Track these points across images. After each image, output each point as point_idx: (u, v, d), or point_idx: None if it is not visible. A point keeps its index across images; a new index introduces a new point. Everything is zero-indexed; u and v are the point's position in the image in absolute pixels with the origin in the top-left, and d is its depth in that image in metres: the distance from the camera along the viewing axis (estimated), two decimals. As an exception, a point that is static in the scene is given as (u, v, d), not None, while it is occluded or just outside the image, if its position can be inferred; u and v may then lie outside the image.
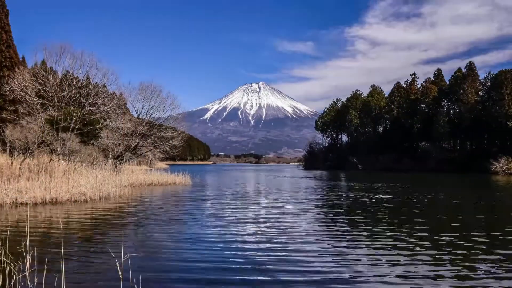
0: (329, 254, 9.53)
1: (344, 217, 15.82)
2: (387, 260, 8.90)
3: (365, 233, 12.24)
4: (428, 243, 10.79)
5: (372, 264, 8.60)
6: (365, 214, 16.38)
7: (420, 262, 8.76)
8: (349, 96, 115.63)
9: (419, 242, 10.83)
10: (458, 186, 37.18)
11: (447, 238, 11.49)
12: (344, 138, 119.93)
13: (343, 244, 10.65)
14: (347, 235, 12.03)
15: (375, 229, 12.88)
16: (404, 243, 10.79)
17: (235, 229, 12.78)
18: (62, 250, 7.80)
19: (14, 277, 6.75)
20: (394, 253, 9.63)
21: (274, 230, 12.75)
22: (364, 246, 10.52)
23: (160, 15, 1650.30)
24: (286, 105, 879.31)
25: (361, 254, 9.57)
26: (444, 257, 9.25)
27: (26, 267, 6.93)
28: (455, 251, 9.82)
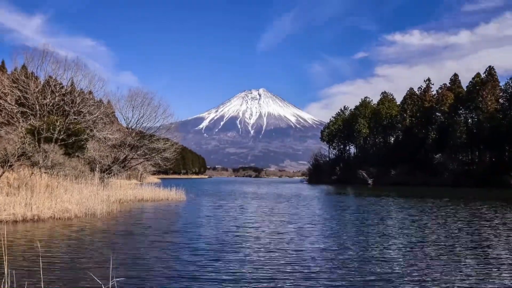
0: None
1: None
2: None
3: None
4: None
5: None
6: None
7: None
8: (358, 104, 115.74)
9: None
10: None
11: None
12: (352, 149, 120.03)
13: None
14: None
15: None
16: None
17: (232, 253, 12.69)
18: (45, 273, 7.73)
19: (-9, 303, 6.68)
20: None
21: (273, 257, 12.66)
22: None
23: (149, 14, 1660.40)
24: (289, 114, 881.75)
25: None
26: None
27: (4, 292, 6.86)
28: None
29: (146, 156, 44.65)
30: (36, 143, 30.43)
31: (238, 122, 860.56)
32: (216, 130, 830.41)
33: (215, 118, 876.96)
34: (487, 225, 19.06)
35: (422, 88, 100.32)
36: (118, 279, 7.69)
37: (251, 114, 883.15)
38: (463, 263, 11.09)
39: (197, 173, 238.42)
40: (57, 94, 32.61)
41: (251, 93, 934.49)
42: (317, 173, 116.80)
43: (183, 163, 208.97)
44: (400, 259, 11.55)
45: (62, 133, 32.36)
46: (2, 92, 31.08)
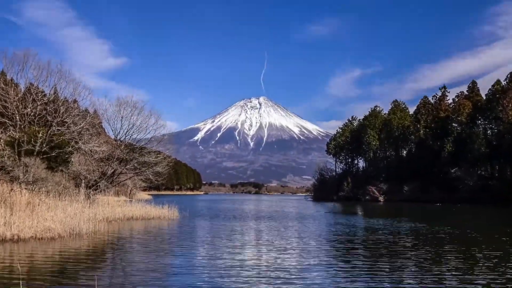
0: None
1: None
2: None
3: None
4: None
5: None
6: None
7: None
8: (367, 113, 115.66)
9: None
10: None
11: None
12: (361, 163, 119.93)
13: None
14: None
15: None
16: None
17: (227, 277, 12.69)
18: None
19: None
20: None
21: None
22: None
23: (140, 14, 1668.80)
24: (292, 124, 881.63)
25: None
26: None
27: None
28: None
29: (136, 171, 44.57)
30: (16, 156, 30.45)
31: (236, 133, 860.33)
32: (213, 142, 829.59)
33: (212, 129, 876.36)
34: None
35: (437, 96, 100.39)
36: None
37: (251, 125, 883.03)
38: None
39: (191, 189, 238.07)
40: (39, 103, 32.61)
41: (250, 101, 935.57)
42: (323, 189, 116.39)
43: (177, 178, 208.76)
44: None
45: (44, 145, 32.31)
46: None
